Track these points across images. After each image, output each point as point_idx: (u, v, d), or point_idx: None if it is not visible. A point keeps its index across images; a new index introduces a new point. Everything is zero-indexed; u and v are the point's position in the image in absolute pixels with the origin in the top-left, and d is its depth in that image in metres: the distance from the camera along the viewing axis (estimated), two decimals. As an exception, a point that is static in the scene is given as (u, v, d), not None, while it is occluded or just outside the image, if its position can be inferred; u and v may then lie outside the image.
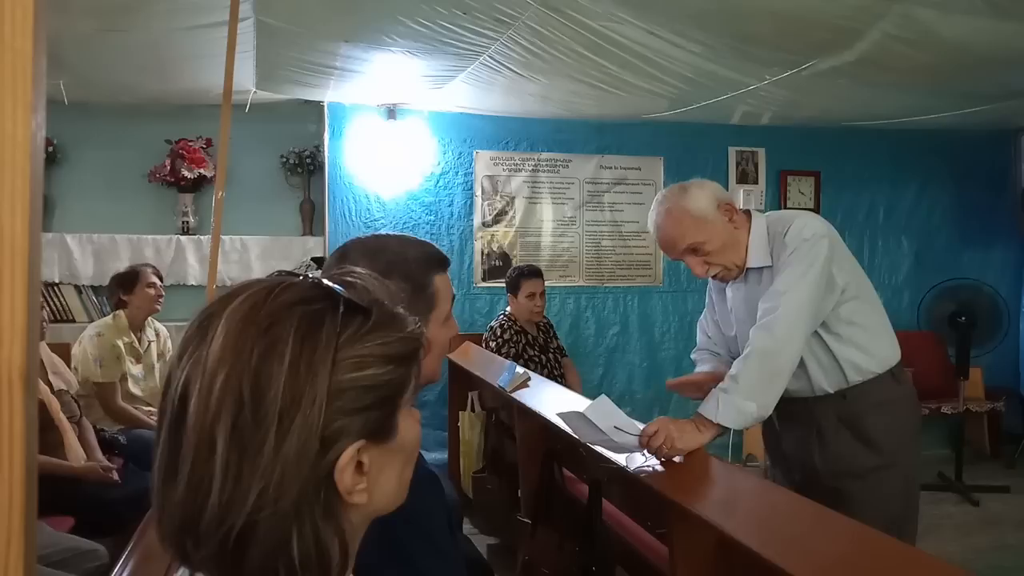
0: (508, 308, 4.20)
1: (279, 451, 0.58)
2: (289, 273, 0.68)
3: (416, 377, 0.68)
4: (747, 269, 2.03)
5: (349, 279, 0.67)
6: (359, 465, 0.63)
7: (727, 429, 1.86)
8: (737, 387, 1.83)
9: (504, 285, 4.30)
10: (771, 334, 1.84)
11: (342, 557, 0.63)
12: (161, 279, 3.74)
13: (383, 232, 2.40)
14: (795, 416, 2.07)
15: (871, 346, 2.00)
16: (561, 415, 1.99)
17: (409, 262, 1.18)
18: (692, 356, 2.34)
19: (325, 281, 0.65)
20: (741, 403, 1.82)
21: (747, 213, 2.05)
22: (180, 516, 0.60)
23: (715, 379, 1.98)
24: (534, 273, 4.16)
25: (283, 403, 0.59)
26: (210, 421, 0.58)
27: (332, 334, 0.61)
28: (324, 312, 0.62)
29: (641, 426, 1.88)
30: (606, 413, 1.89)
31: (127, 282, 3.63)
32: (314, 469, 0.60)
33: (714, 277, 2.07)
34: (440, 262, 1.23)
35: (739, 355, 1.99)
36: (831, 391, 2.00)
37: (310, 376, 0.60)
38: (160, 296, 3.68)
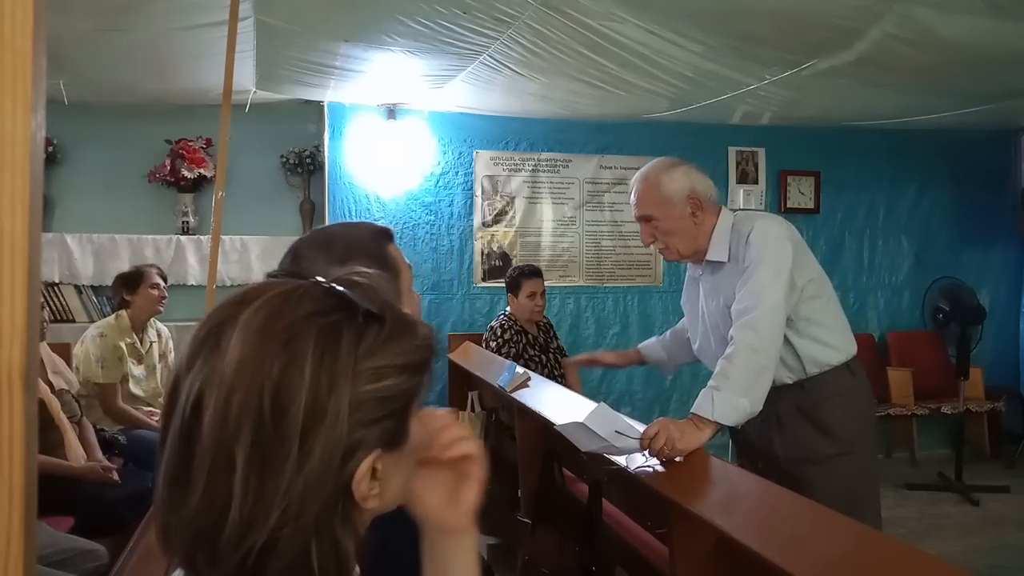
0: (508, 308, 4.19)
1: (302, 469, 0.58)
2: (289, 274, 0.67)
3: (428, 384, 0.68)
4: (707, 261, 2.15)
5: (356, 279, 0.67)
6: (373, 472, 0.63)
7: (724, 427, 1.90)
8: (729, 384, 1.87)
9: (504, 285, 4.29)
10: (756, 332, 1.91)
11: (357, 555, 0.64)
12: (165, 280, 3.74)
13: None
14: None
15: (830, 341, 2.11)
16: (561, 427, 1.99)
17: (364, 241, 1.21)
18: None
19: (339, 288, 0.65)
20: (735, 400, 1.86)
21: (719, 209, 2.16)
22: (193, 530, 0.59)
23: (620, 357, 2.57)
24: (534, 273, 4.16)
25: (305, 420, 0.58)
26: (229, 437, 0.58)
27: (351, 347, 0.61)
28: (342, 324, 0.62)
29: (641, 428, 1.89)
30: (605, 419, 1.89)
31: (131, 282, 3.63)
32: (335, 482, 0.60)
33: (660, 251, 2.21)
34: (387, 234, 1.25)
35: (694, 348, 2.31)
36: (789, 382, 2.10)
37: (332, 392, 0.59)
38: (163, 298, 3.68)
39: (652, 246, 2.19)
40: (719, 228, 2.11)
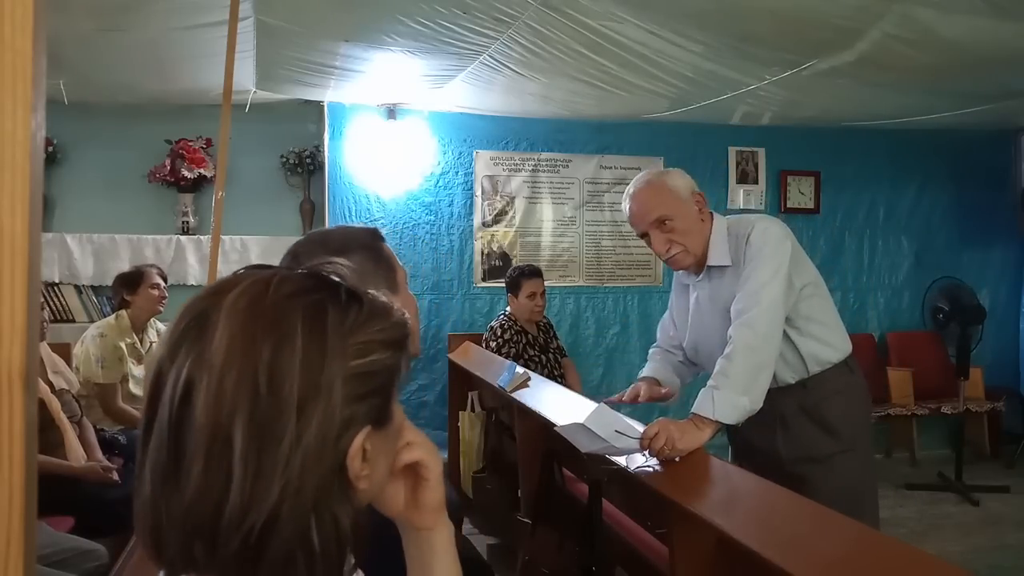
0: (508, 308, 4.20)
1: (300, 443, 0.59)
2: (261, 266, 0.68)
3: (406, 362, 0.69)
4: (708, 267, 2.13)
5: (325, 267, 0.69)
6: (363, 451, 0.64)
7: (724, 426, 1.90)
8: (728, 383, 1.88)
9: (504, 285, 4.30)
10: (753, 330, 1.91)
11: (354, 536, 0.64)
12: (165, 280, 3.74)
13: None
14: None
15: (829, 338, 2.12)
16: (561, 428, 1.99)
17: (359, 237, 1.26)
18: (650, 352, 2.43)
19: (320, 271, 0.67)
20: (735, 398, 1.87)
21: (711, 214, 2.15)
22: (190, 521, 0.59)
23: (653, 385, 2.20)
24: (534, 273, 4.16)
25: (300, 395, 0.59)
26: (225, 418, 0.58)
27: (337, 323, 0.63)
28: (325, 301, 0.63)
29: (641, 428, 1.89)
30: (606, 419, 1.90)
31: (131, 282, 3.63)
32: (331, 458, 0.61)
33: (668, 261, 2.15)
34: (378, 234, 1.30)
35: (694, 357, 2.27)
36: (792, 382, 2.10)
37: (324, 366, 0.61)
38: (164, 298, 3.68)
39: (668, 253, 2.09)
40: (715, 232, 2.10)
